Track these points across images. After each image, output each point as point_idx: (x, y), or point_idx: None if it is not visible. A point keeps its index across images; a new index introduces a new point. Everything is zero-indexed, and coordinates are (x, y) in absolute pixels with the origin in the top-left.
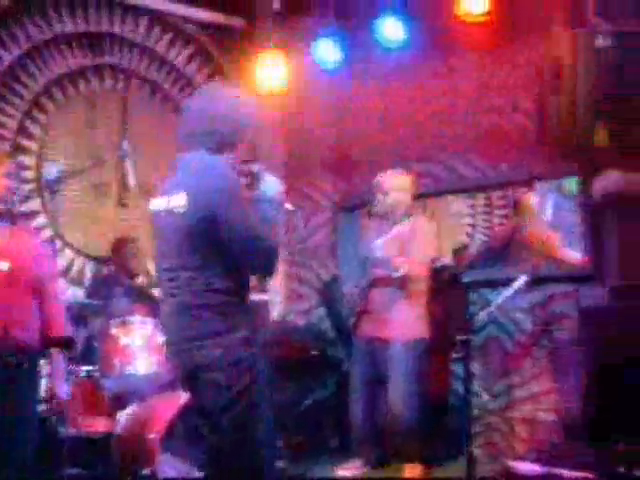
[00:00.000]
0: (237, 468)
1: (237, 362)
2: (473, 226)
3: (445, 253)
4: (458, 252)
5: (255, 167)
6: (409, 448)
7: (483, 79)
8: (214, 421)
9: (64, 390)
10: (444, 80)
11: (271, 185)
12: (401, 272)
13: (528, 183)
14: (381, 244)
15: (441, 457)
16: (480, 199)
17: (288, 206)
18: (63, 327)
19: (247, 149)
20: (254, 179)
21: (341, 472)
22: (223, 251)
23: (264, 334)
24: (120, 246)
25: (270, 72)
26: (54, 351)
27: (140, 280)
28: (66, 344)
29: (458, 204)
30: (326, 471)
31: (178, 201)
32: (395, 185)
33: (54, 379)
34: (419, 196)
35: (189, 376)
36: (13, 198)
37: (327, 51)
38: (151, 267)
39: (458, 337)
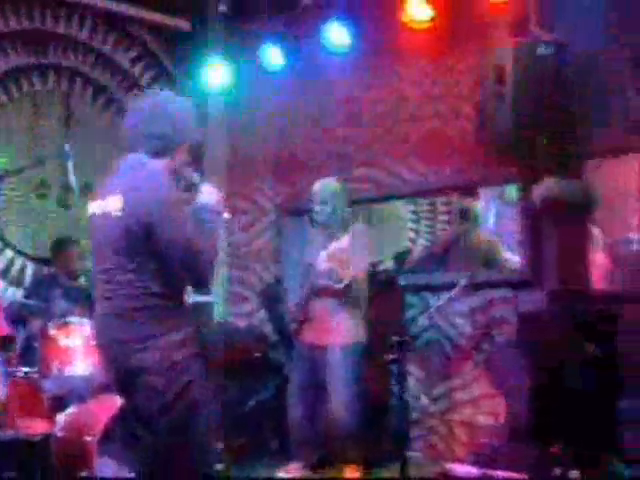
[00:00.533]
0: (172, 471)
1: (173, 365)
2: (416, 231)
3: (387, 257)
4: (400, 257)
5: (194, 176)
6: (349, 451)
7: (426, 85)
8: (150, 424)
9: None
10: (388, 85)
11: (209, 194)
12: (343, 283)
13: (470, 189)
14: (323, 257)
15: (381, 459)
16: (424, 205)
17: (226, 215)
18: (5, 328)
19: (186, 155)
20: (193, 187)
21: (281, 474)
22: (158, 257)
23: (206, 335)
24: (60, 247)
25: (216, 74)
26: None
27: (81, 281)
28: (4, 344)
29: (402, 209)
30: (266, 473)
31: (115, 204)
32: (330, 195)
33: None
34: (362, 201)
35: (124, 379)
36: None
37: (273, 54)
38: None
39: (394, 338)
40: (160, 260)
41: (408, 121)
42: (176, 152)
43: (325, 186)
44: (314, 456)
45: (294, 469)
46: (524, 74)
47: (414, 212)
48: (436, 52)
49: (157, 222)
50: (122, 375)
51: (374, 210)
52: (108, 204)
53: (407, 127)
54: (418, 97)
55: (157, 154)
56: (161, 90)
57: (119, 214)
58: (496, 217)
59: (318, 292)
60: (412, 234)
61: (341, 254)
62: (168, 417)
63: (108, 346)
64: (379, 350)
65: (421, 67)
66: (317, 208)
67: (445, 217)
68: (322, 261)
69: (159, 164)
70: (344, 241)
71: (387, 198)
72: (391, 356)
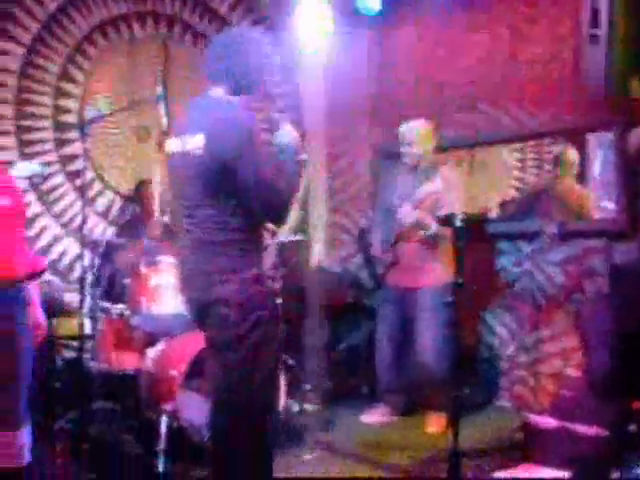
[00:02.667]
0: (238, 402)
1: (249, 299)
2: (522, 180)
3: (492, 205)
4: (505, 205)
5: (274, 115)
6: (435, 397)
7: (523, 28)
8: (222, 355)
9: (43, 319)
10: (484, 30)
11: (288, 134)
12: (432, 230)
13: (566, 135)
14: (413, 199)
15: (468, 408)
16: (530, 152)
17: (304, 156)
18: (41, 260)
19: (265, 92)
20: (272, 126)
21: (366, 418)
22: (237, 195)
23: (300, 275)
24: (143, 187)
25: (313, 20)
26: (32, 282)
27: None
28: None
29: (507, 157)
30: (353, 416)
31: (195, 143)
32: (417, 136)
33: (36, 309)
34: (460, 147)
35: (202, 310)
36: None
37: (370, 1)
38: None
39: (452, 280)
40: (239, 197)
41: (505, 65)
42: (254, 91)
43: (412, 127)
44: (401, 402)
45: (379, 414)
46: (620, 17)
47: (520, 160)
48: None
49: (236, 160)
50: (200, 306)
51: (478, 157)
52: (188, 142)
53: (505, 71)
54: (515, 41)
55: (235, 91)
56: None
57: (199, 152)
58: (602, 165)
59: (405, 235)
60: (518, 183)
61: (431, 197)
62: (238, 350)
63: (188, 277)
64: (472, 298)
65: (517, 10)
66: (404, 149)
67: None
68: (411, 204)
69: (238, 102)
70: (434, 184)
71: (485, 144)
72: (446, 298)
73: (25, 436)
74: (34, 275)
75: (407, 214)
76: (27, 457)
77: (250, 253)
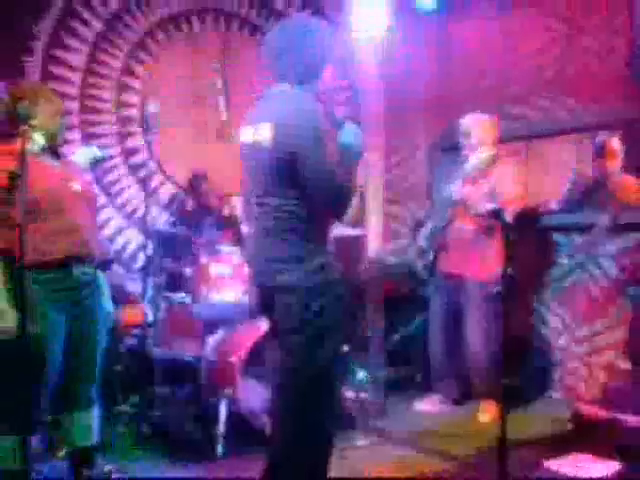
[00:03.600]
0: (296, 391)
1: (312, 287)
2: (577, 172)
3: (546, 198)
4: (559, 197)
5: (338, 116)
6: (487, 386)
7: (577, 20)
8: (283, 343)
9: (111, 306)
10: (538, 22)
11: (352, 133)
12: (481, 210)
13: (622, 127)
14: (467, 189)
15: (521, 397)
16: (585, 145)
17: (366, 155)
18: (109, 247)
19: (327, 81)
20: (334, 122)
21: (419, 406)
22: (302, 186)
23: (357, 268)
24: (196, 180)
25: (370, 16)
26: (101, 270)
27: (226, 211)
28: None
29: (564, 149)
30: (405, 404)
31: (265, 134)
32: (476, 128)
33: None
34: (515, 139)
35: (266, 296)
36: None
37: None
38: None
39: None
40: (302, 188)
41: (559, 57)
42: (315, 81)
43: (474, 120)
44: (454, 391)
45: (433, 402)
46: None
47: (576, 152)
48: None
49: (303, 154)
50: (265, 292)
51: (534, 149)
52: (258, 133)
53: (560, 64)
54: (569, 33)
55: (299, 82)
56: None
57: (268, 143)
58: None
59: (457, 216)
60: (573, 175)
61: (485, 188)
62: (299, 338)
63: (255, 264)
64: (525, 289)
65: (572, 2)
66: (465, 141)
67: None
68: (465, 193)
69: (307, 95)
70: (490, 175)
71: (541, 136)
72: (497, 288)
73: (96, 416)
74: (105, 263)
75: (456, 190)
76: (96, 437)
77: (315, 242)
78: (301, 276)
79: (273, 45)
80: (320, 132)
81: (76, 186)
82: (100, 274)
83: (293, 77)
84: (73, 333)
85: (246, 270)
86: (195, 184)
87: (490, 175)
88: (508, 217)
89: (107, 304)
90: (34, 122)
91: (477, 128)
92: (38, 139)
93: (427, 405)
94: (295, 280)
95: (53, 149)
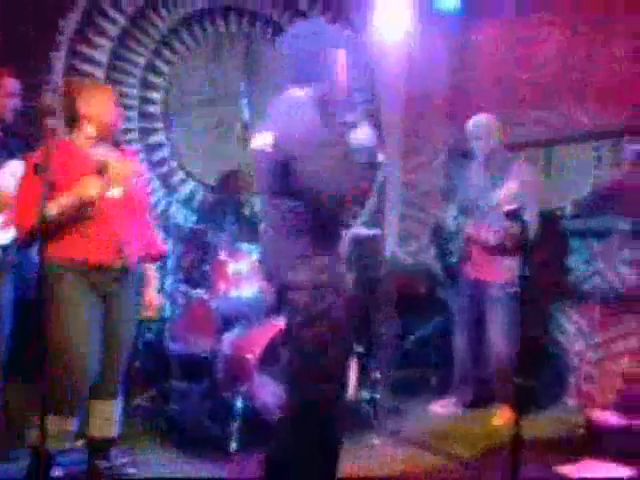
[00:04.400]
0: (304, 388)
1: (319, 286)
2: (598, 177)
3: (566, 203)
4: (578, 202)
5: (351, 116)
6: (504, 390)
7: (601, 27)
8: (294, 338)
9: (157, 300)
10: (563, 27)
11: (364, 135)
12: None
13: None
14: (489, 198)
15: (537, 402)
16: (607, 150)
17: (381, 157)
18: (162, 245)
19: (332, 86)
20: (345, 126)
21: (434, 408)
22: (299, 188)
23: (373, 268)
24: (229, 178)
25: (392, 18)
26: (149, 266)
27: (247, 210)
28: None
29: (583, 154)
30: (420, 406)
31: (267, 139)
32: (484, 130)
33: (150, 290)
34: (536, 144)
35: (278, 294)
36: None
37: None
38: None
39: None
40: (300, 192)
41: (583, 62)
42: (319, 83)
43: (478, 121)
44: (470, 394)
45: (448, 404)
46: None
47: (597, 158)
48: None
49: (298, 162)
50: (277, 290)
51: (553, 154)
52: (262, 139)
53: (583, 68)
54: (594, 37)
55: (300, 82)
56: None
57: (270, 150)
58: None
59: (480, 229)
60: (594, 180)
61: (505, 195)
62: (305, 336)
63: (267, 261)
64: (540, 293)
65: (596, 6)
66: (473, 144)
67: None
68: (486, 201)
69: (302, 96)
70: (510, 183)
71: (562, 141)
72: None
73: (118, 409)
74: (152, 257)
75: (490, 238)
76: (116, 430)
77: (322, 241)
78: (308, 274)
79: (282, 50)
80: (314, 141)
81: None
82: (134, 270)
83: (298, 80)
84: (106, 326)
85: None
86: (227, 182)
87: (509, 178)
88: (527, 218)
89: (135, 298)
90: (87, 115)
91: (483, 130)
92: (90, 132)
93: (443, 407)
94: (303, 278)
95: (110, 142)
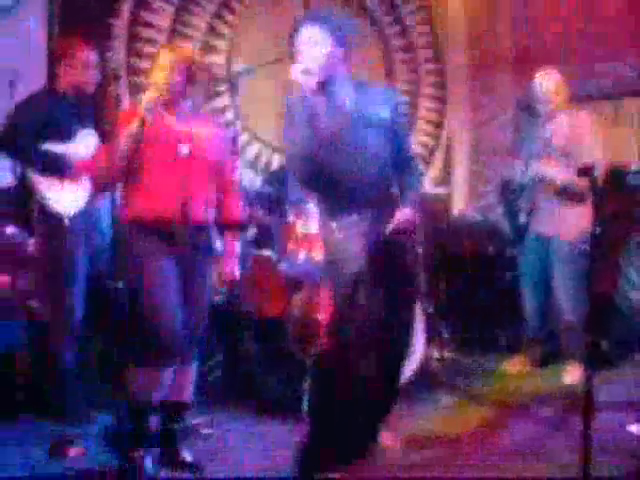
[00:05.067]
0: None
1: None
2: None
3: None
4: None
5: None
6: (573, 348)
7: None
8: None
9: (236, 270)
10: None
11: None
12: (563, 183)
13: None
14: (538, 156)
15: (607, 360)
16: None
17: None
18: (240, 213)
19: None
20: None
21: (505, 367)
22: None
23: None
24: None
25: None
26: (229, 233)
27: None
28: (240, 228)
29: None
30: (489, 365)
31: None
32: (548, 86)
33: (228, 259)
34: (600, 97)
35: None
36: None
37: None
38: None
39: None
40: None
41: None
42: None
43: (543, 78)
44: (540, 352)
45: (519, 363)
46: None
47: None
48: None
49: None
50: None
51: (621, 109)
52: None
53: None
54: None
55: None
56: None
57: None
58: None
59: (544, 181)
60: None
61: (564, 146)
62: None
63: None
64: (609, 247)
65: None
66: (538, 100)
67: None
68: (538, 159)
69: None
70: (559, 133)
71: (629, 94)
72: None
73: (194, 373)
74: (229, 224)
75: (535, 172)
76: (190, 395)
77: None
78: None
79: None
80: (287, 117)
81: (184, 148)
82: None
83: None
84: (186, 288)
85: None
86: None
87: (576, 134)
88: (597, 174)
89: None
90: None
91: (547, 86)
92: (150, 95)
93: (513, 366)
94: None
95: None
